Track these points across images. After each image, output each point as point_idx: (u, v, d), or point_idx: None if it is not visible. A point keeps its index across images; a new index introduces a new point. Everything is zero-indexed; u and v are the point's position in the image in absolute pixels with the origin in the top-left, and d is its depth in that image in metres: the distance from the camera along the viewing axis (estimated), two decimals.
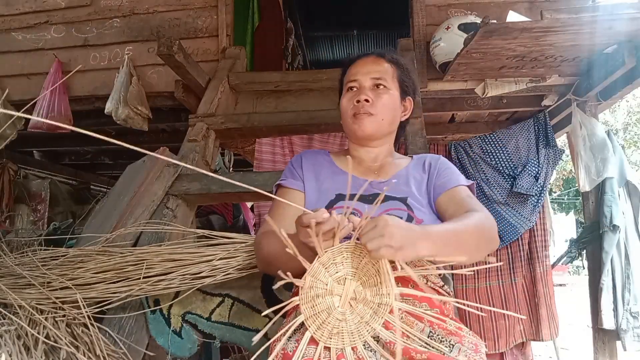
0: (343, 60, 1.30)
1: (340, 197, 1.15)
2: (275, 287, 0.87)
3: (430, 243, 0.86)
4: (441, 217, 1.12)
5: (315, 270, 0.89)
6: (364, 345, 0.86)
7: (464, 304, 0.89)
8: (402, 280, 0.97)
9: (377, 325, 0.86)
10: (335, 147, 2.70)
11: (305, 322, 0.87)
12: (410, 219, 1.07)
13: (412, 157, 1.29)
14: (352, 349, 0.86)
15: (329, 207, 1.13)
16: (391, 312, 0.85)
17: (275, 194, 1.24)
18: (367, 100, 1.15)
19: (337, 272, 0.90)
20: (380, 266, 0.86)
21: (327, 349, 0.87)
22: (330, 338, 0.86)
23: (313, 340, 0.88)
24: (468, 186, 1.18)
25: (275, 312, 1.35)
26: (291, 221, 1.15)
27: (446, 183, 1.16)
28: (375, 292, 0.87)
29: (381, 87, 1.17)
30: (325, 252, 0.89)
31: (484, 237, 1.00)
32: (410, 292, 0.92)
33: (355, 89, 1.19)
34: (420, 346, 0.87)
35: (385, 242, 0.80)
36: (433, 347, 0.87)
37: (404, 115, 1.25)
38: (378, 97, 1.16)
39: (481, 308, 0.91)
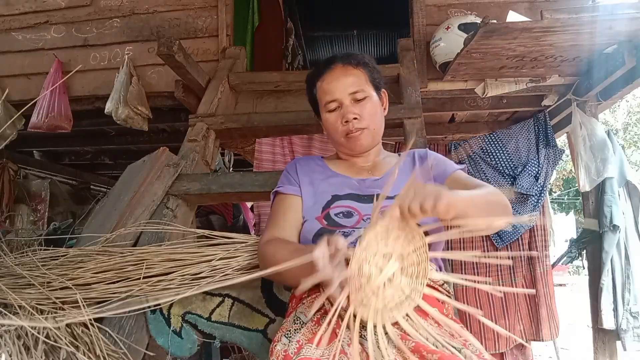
0: (309, 74, 1.29)
1: (336, 198, 1.16)
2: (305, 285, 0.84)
3: (463, 199, 0.88)
4: None
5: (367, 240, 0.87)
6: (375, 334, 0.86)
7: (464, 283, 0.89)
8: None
9: (400, 314, 0.87)
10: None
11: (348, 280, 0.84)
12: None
13: (399, 154, 1.31)
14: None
15: (326, 208, 1.14)
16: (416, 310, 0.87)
17: (273, 202, 1.25)
18: (355, 118, 1.17)
19: (386, 247, 0.89)
20: (420, 255, 0.88)
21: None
22: (360, 306, 0.85)
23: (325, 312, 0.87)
24: (462, 169, 1.22)
25: (275, 312, 1.35)
26: (291, 227, 1.16)
27: (445, 171, 1.20)
28: (409, 283, 0.89)
29: (360, 97, 1.18)
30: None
31: (502, 199, 1.03)
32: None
33: (337, 108, 1.19)
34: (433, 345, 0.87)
35: (430, 195, 0.82)
36: (444, 347, 0.87)
37: (384, 108, 1.27)
38: (362, 109, 1.18)
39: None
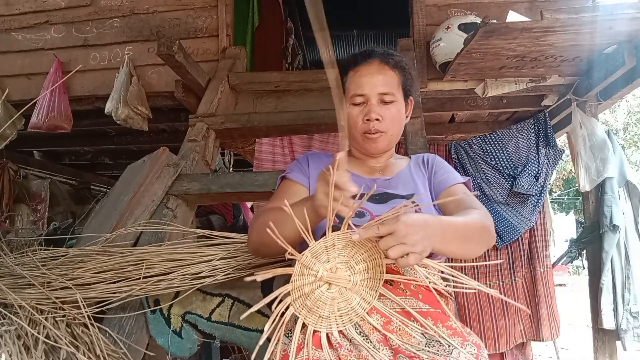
0: (343, 60, 1.27)
1: None
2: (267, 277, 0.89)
3: (442, 237, 0.89)
4: (442, 215, 1.13)
5: (306, 259, 0.91)
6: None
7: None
8: (404, 282, 0.98)
9: (363, 311, 0.90)
10: (335, 147, 2.70)
11: (293, 308, 0.90)
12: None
13: (410, 157, 1.30)
14: (341, 333, 0.89)
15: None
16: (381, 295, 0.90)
17: (278, 186, 1.24)
18: (377, 119, 1.15)
19: (327, 261, 0.92)
20: (374, 254, 0.90)
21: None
22: (320, 322, 0.89)
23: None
24: (465, 183, 1.20)
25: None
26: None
27: (443, 182, 1.19)
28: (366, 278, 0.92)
29: (388, 100, 1.16)
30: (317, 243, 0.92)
31: (485, 233, 1.01)
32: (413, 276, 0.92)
33: (362, 103, 1.17)
34: (418, 350, 0.87)
35: (408, 249, 0.82)
36: (430, 351, 0.87)
37: (407, 116, 1.26)
38: (387, 112, 1.16)
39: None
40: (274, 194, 1.24)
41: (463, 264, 0.99)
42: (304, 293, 0.90)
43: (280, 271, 0.91)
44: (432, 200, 1.16)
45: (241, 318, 1.39)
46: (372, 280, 0.92)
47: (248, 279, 0.89)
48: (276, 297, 0.90)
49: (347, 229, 0.92)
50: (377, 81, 1.16)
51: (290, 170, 1.24)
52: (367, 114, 1.15)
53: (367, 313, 0.91)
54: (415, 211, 0.93)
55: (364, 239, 0.89)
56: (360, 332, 0.91)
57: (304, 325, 0.90)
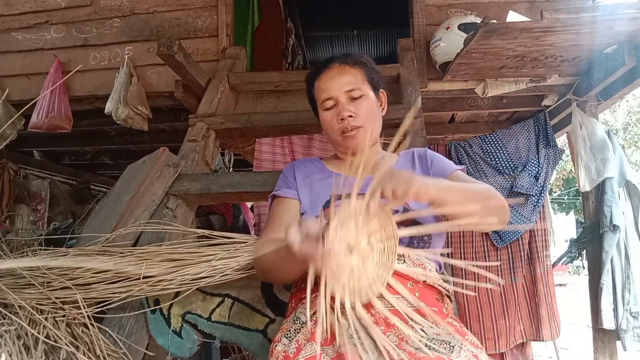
0: (307, 74, 1.31)
1: (335, 197, 1.16)
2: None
3: (439, 186, 0.91)
4: None
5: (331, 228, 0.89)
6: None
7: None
8: (400, 280, 0.97)
9: (374, 293, 0.89)
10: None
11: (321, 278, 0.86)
12: (405, 211, 1.08)
13: (399, 153, 1.31)
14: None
15: (326, 207, 1.14)
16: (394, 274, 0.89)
17: (270, 205, 1.25)
18: (350, 116, 1.17)
19: (357, 230, 0.91)
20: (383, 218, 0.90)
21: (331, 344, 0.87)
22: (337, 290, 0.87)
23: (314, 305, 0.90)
24: (461, 170, 1.22)
25: (275, 313, 1.35)
26: None
27: (445, 169, 1.20)
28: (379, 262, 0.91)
29: (357, 96, 1.19)
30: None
31: (493, 198, 1.03)
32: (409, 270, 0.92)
33: (333, 106, 1.20)
34: (417, 348, 0.87)
35: (397, 181, 0.86)
36: (432, 348, 0.87)
37: (382, 108, 1.28)
38: (358, 107, 1.18)
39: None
40: (268, 215, 1.26)
41: (463, 264, 0.98)
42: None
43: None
44: None
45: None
46: (387, 257, 0.92)
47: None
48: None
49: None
50: (340, 81, 1.19)
51: (278, 188, 1.26)
52: (340, 114, 1.18)
53: (365, 308, 0.91)
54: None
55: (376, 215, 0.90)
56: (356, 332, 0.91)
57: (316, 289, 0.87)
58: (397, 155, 1.30)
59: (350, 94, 1.19)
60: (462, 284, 0.96)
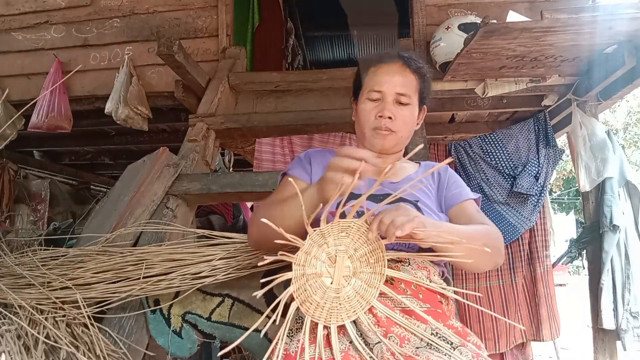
0: (365, 58, 1.27)
1: (351, 197, 1.15)
2: (267, 262, 0.89)
3: (439, 230, 0.91)
4: None
5: (307, 249, 0.92)
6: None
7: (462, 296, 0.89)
8: (404, 281, 0.98)
9: (372, 298, 0.90)
10: (335, 147, 2.70)
11: (299, 305, 0.90)
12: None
13: (419, 163, 1.30)
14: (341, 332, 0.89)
15: (339, 205, 1.13)
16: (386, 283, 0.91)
17: (279, 182, 1.24)
18: (390, 118, 1.15)
19: (327, 250, 0.93)
20: (372, 241, 0.91)
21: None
22: (330, 317, 0.89)
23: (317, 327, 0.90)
24: (475, 200, 1.20)
25: (274, 312, 1.34)
26: None
27: (456, 196, 1.18)
28: (367, 264, 0.93)
29: (404, 102, 1.17)
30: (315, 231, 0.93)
31: (491, 244, 1.00)
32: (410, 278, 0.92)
33: (377, 100, 1.18)
34: (420, 348, 0.87)
35: (402, 214, 0.86)
36: (434, 345, 0.87)
37: (418, 123, 1.26)
38: (400, 113, 1.16)
39: (482, 307, 0.93)
40: (275, 190, 1.24)
41: (460, 261, 0.98)
42: (306, 289, 0.91)
43: (286, 258, 0.92)
44: (438, 212, 1.16)
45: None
46: (374, 273, 0.92)
47: (260, 263, 0.91)
48: (276, 298, 0.90)
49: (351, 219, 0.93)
50: (396, 81, 1.17)
51: (292, 167, 1.24)
52: (381, 111, 1.15)
53: (368, 310, 0.91)
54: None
55: (363, 231, 0.91)
56: (359, 333, 0.91)
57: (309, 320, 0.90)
58: (417, 165, 1.29)
59: (399, 97, 1.17)
60: (464, 288, 0.96)
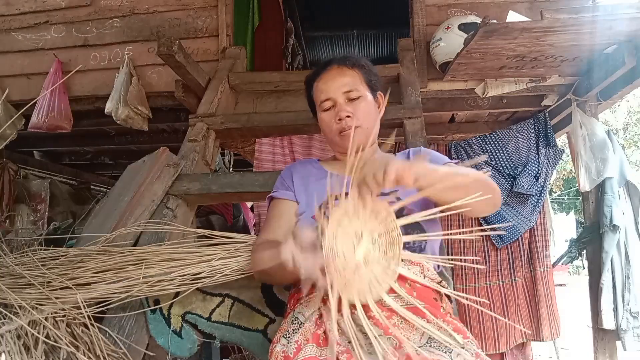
0: (307, 76, 1.33)
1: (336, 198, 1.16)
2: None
3: (421, 165, 0.93)
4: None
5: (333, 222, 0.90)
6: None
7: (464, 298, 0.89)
8: (398, 280, 0.98)
9: (384, 288, 0.89)
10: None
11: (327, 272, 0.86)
12: (401, 209, 1.08)
13: (395, 154, 1.32)
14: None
15: (320, 207, 1.14)
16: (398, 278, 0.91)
17: (268, 207, 1.26)
18: (348, 116, 1.18)
19: (354, 226, 0.91)
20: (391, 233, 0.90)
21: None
22: (344, 289, 0.87)
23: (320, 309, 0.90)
24: (455, 164, 1.22)
25: (274, 312, 1.35)
26: (284, 231, 1.17)
27: (436, 163, 1.19)
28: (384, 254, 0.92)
29: (354, 97, 1.20)
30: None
31: (481, 180, 1.03)
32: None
33: (331, 107, 1.22)
34: (420, 347, 0.87)
35: (374, 166, 0.89)
36: (432, 347, 0.87)
37: (380, 110, 1.29)
38: (356, 108, 1.20)
39: (482, 307, 0.93)
40: (266, 216, 1.28)
41: (462, 263, 0.99)
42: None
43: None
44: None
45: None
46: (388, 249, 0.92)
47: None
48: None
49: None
50: (339, 82, 1.21)
51: (275, 189, 1.28)
52: (338, 114, 1.20)
53: (364, 309, 0.91)
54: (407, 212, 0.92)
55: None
56: (357, 329, 0.91)
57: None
58: (394, 156, 1.31)
59: (348, 94, 1.20)
60: (464, 287, 0.96)
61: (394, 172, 0.87)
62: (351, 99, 1.20)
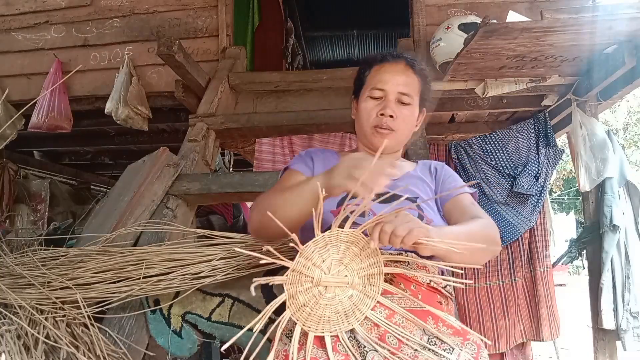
0: (368, 56, 1.27)
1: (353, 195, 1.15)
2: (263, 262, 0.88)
3: (441, 237, 0.89)
4: (447, 223, 1.14)
5: (304, 258, 0.91)
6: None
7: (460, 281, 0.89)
8: (404, 282, 0.98)
9: (367, 309, 0.89)
10: (335, 147, 2.70)
11: (291, 314, 0.90)
12: (420, 218, 1.08)
13: (416, 162, 1.30)
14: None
15: (340, 204, 1.13)
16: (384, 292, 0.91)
17: (281, 176, 1.24)
18: (391, 116, 1.15)
19: (323, 261, 0.92)
20: (371, 251, 0.91)
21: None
22: (318, 326, 0.89)
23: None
24: (472, 194, 1.20)
25: (276, 312, 1.35)
26: None
27: (454, 186, 1.20)
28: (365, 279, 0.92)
29: (406, 102, 1.18)
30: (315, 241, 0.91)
31: (489, 240, 1.02)
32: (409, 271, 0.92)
33: (379, 98, 1.18)
34: (417, 351, 0.87)
35: (415, 224, 0.85)
36: (430, 350, 0.87)
37: (417, 124, 1.26)
38: (401, 112, 1.17)
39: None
40: (277, 182, 1.24)
41: (462, 264, 0.98)
42: (299, 300, 0.90)
43: (277, 279, 0.91)
44: (436, 208, 1.16)
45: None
46: (371, 279, 0.92)
47: (252, 286, 0.90)
48: (276, 297, 0.90)
49: (351, 227, 0.92)
50: (399, 80, 1.18)
51: (294, 162, 1.24)
52: (383, 109, 1.16)
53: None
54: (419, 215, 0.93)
55: (361, 239, 0.90)
56: (353, 337, 0.91)
57: (302, 330, 0.90)
58: (414, 163, 1.30)
59: (401, 96, 1.17)
60: (464, 284, 0.96)
61: (414, 238, 0.84)
62: (402, 102, 1.17)
